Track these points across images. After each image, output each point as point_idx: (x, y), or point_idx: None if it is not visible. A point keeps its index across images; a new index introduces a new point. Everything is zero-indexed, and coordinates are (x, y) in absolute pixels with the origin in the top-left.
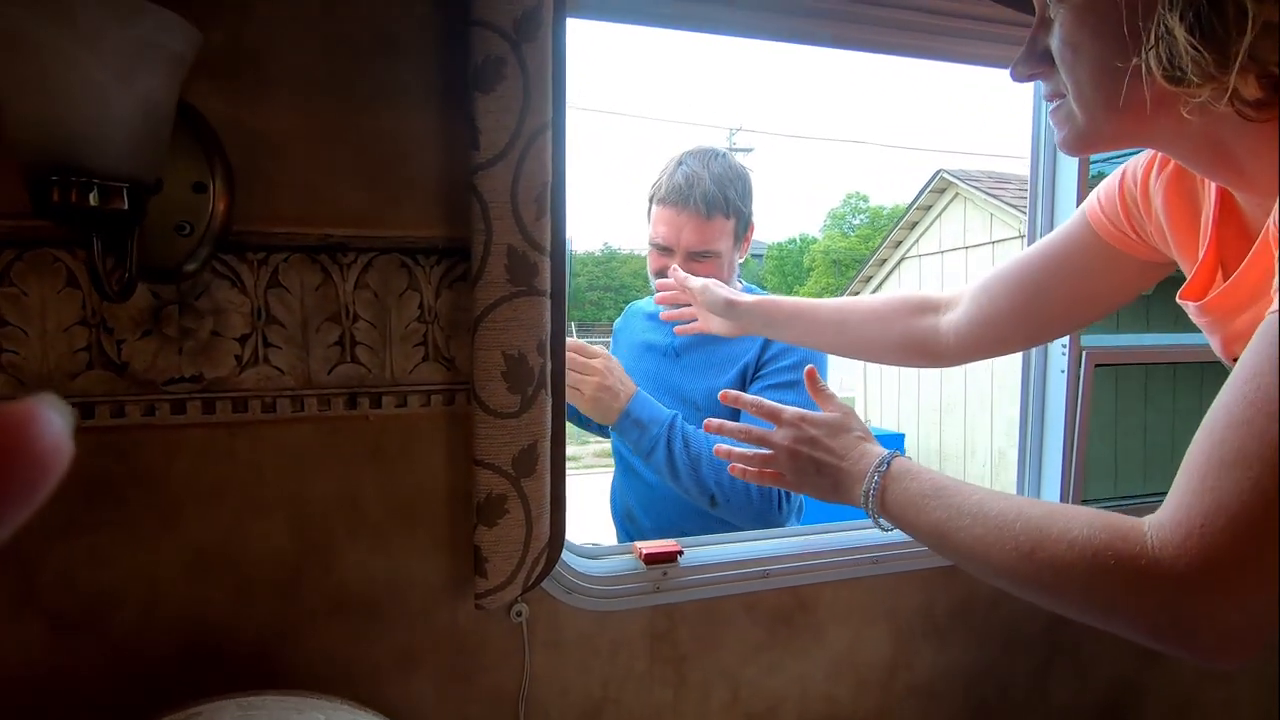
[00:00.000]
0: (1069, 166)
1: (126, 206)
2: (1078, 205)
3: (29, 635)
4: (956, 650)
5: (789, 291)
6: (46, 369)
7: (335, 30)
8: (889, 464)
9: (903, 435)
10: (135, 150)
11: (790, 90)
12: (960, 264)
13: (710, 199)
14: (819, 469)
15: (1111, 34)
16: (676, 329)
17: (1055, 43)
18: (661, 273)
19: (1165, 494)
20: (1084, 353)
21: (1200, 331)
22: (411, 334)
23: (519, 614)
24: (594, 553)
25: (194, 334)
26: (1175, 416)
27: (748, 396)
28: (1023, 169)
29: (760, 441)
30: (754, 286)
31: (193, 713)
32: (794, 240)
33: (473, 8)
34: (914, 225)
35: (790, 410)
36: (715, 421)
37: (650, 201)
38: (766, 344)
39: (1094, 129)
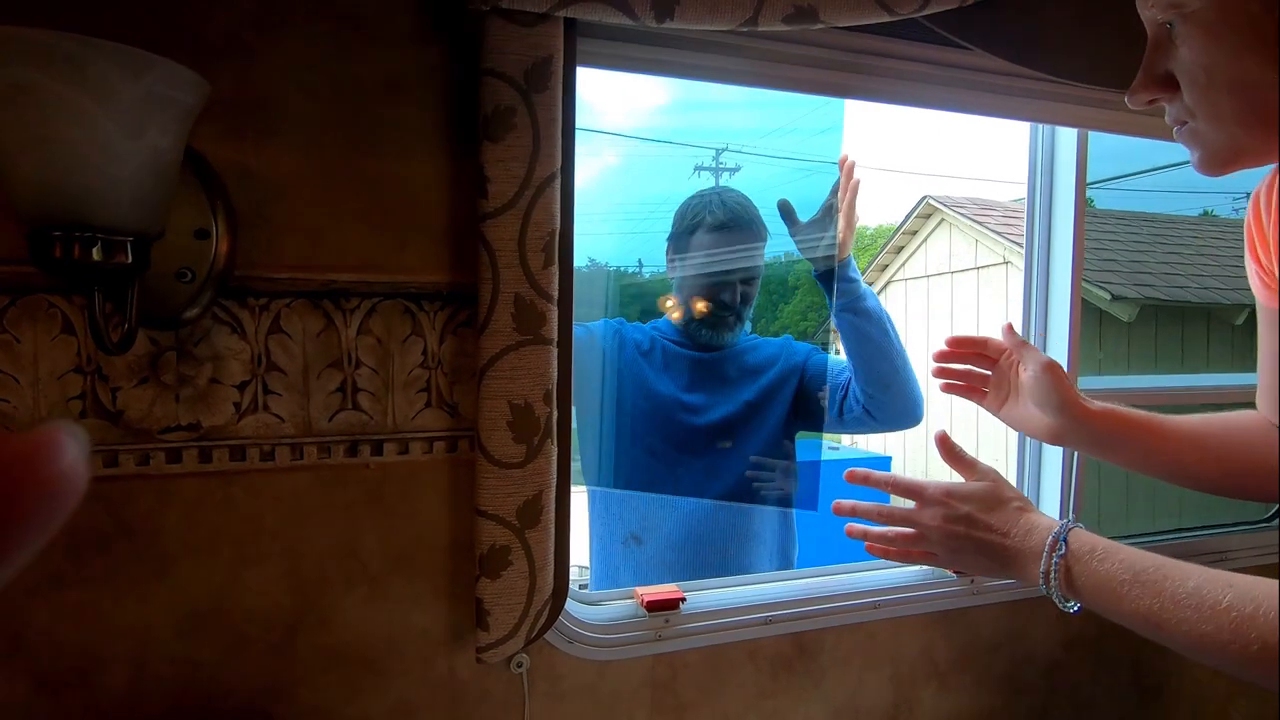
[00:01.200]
0: (1065, 193)
1: (130, 260)
2: (1075, 231)
3: (13, 695)
4: (957, 694)
5: (774, 309)
6: (38, 417)
7: (343, 75)
8: (1066, 540)
9: (889, 459)
10: (141, 204)
11: (775, 111)
12: (946, 289)
13: (760, 223)
14: (979, 548)
15: (1252, 47)
16: (944, 386)
17: (1183, 64)
18: (714, 297)
19: (1150, 533)
20: None
21: (1187, 374)
22: (414, 380)
23: (519, 665)
24: (594, 598)
25: (192, 381)
26: None
27: (879, 474)
28: (1006, 194)
29: (904, 523)
30: None
31: None
32: (779, 257)
33: (484, 57)
34: (900, 249)
35: (933, 485)
36: (848, 503)
37: (691, 233)
38: (805, 349)
39: (1234, 146)
